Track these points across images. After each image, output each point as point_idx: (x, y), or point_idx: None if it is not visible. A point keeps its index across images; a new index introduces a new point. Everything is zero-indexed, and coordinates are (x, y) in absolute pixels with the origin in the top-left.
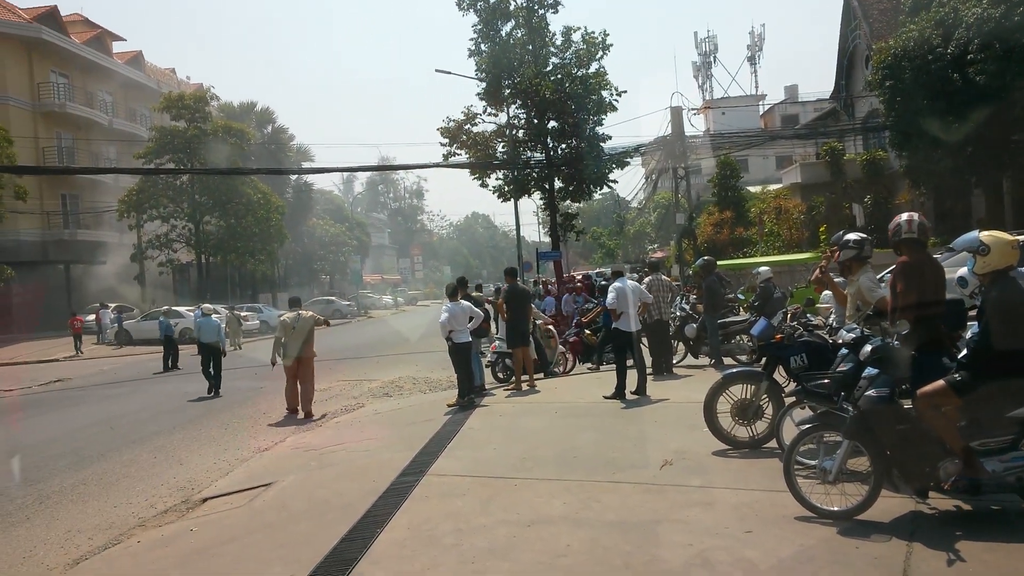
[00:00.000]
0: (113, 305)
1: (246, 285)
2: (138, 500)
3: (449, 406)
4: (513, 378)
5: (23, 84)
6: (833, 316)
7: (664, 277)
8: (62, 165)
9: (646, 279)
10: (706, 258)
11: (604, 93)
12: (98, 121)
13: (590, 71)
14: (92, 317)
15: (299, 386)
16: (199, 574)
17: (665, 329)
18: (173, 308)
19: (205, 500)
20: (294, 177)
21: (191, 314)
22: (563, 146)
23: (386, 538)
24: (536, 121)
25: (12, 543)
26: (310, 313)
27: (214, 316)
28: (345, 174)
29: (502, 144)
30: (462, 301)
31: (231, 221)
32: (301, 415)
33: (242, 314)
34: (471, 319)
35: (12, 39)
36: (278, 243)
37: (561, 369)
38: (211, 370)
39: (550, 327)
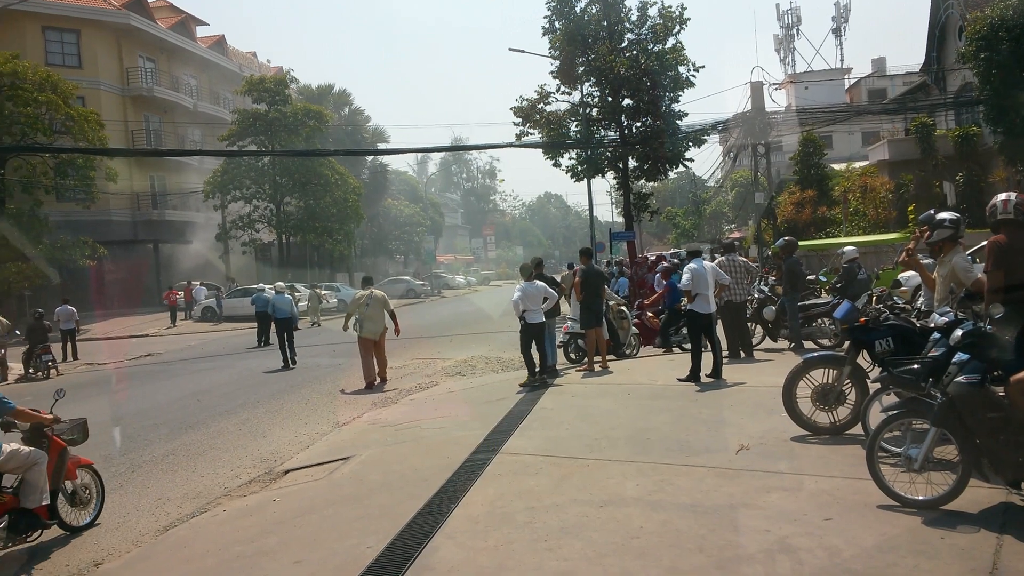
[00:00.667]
0: (197, 283)
1: (324, 264)
2: (224, 471)
3: (521, 386)
4: (585, 359)
5: (113, 69)
6: (922, 299)
7: (740, 258)
8: (150, 147)
9: (719, 259)
10: (787, 238)
11: (681, 69)
12: (183, 104)
13: (666, 46)
14: (180, 294)
15: (375, 358)
16: (282, 543)
17: (738, 311)
18: (261, 286)
19: (287, 472)
20: (370, 158)
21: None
22: (638, 124)
23: (460, 513)
24: (610, 99)
25: (108, 509)
26: (381, 292)
27: (287, 294)
28: (419, 155)
29: (575, 123)
30: (537, 281)
31: (310, 202)
32: (378, 381)
33: (321, 292)
34: (545, 300)
35: (103, 26)
36: (355, 223)
37: (632, 351)
38: (285, 345)
39: (623, 308)
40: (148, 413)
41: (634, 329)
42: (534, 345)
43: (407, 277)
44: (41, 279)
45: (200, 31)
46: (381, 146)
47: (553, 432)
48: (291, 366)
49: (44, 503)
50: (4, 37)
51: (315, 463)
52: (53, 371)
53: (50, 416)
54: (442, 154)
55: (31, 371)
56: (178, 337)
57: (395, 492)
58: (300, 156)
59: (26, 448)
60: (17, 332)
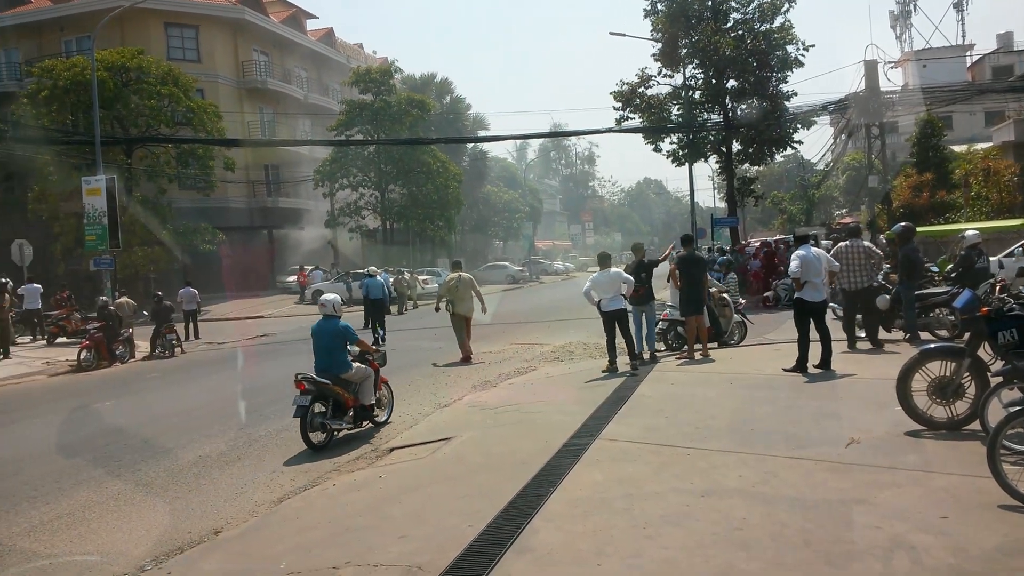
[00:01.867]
0: (311, 267)
1: (426, 250)
2: (332, 447)
3: (602, 372)
4: (685, 347)
5: (230, 63)
6: None
7: (865, 243)
8: (265, 138)
9: (840, 244)
10: (904, 224)
11: (789, 48)
12: (294, 96)
13: (774, 25)
14: (292, 278)
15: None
16: (387, 518)
17: (858, 298)
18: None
19: (392, 450)
20: (470, 145)
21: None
22: (743, 106)
23: (559, 497)
24: (714, 81)
25: (228, 479)
26: (468, 275)
27: (379, 277)
28: (518, 141)
29: (677, 106)
30: (611, 269)
31: (412, 188)
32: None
33: (421, 277)
34: (624, 285)
35: (221, 21)
36: (455, 210)
37: (736, 339)
38: (376, 324)
39: (724, 295)
40: (263, 390)
41: (737, 317)
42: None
43: (506, 263)
44: (165, 263)
45: (310, 24)
46: (481, 133)
47: (652, 420)
48: (380, 344)
49: (371, 403)
50: (130, 34)
51: (418, 442)
52: (177, 350)
53: (373, 347)
54: (541, 140)
55: (156, 350)
56: (290, 319)
57: (495, 473)
58: (404, 144)
59: (363, 365)
60: (145, 313)
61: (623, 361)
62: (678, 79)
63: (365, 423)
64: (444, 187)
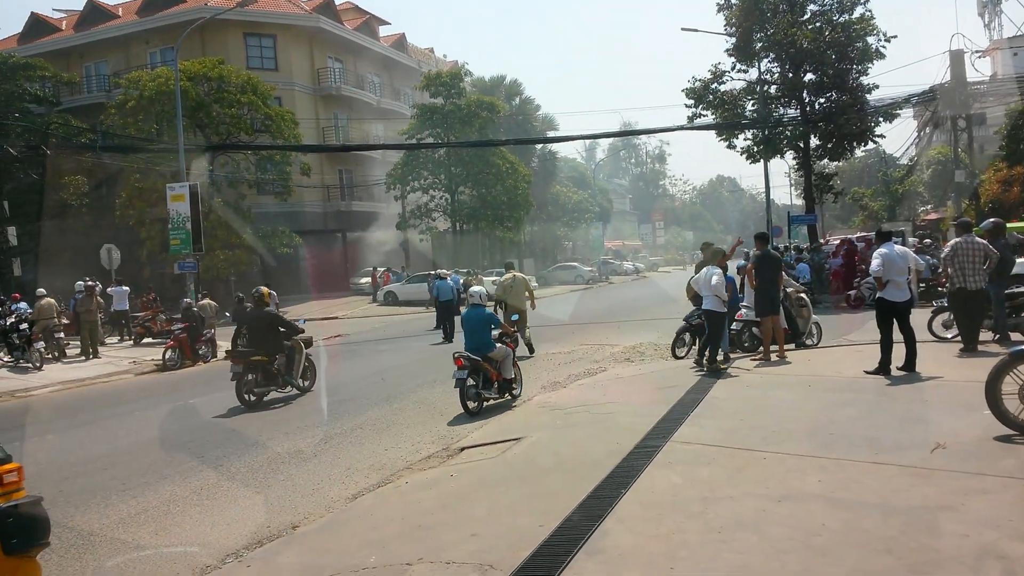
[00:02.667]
0: (382, 269)
1: (495, 251)
2: (405, 445)
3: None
4: (760, 348)
5: (305, 71)
6: None
7: (979, 240)
8: (339, 143)
9: (955, 241)
10: (993, 220)
11: (870, 39)
12: (367, 101)
13: (853, 16)
14: (365, 280)
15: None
16: (459, 516)
17: (967, 299)
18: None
19: (462, 449)
20: (539, 146)
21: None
22: (821, 100)
23: (631, 499)
24: (791, 75)
25: (304, 476)
26: (522, 275)
27: (449, 280)
28: (588, 141)
29: (752, 102)
30: (712, 267)
31: (482, 191)
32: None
33: (490, 279)
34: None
35: (297, 30)
36: (524, 211)
37: (814, 340)
38: (446, 323)
39: (803, 295)
40: (339, 389)
41: (815, 317)
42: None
43: (575, 263)
44: (246, 266)
45: (382, 30)
46: (550, 134)
47: (726, 423)
48: (451, 340)
49: (511, 377)
50: (211, 44)
51: (488, 442)
52: None
53: (511, 329)
54: (611, 140)
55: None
56: (364, 320)
57: (565, 474)
58: (473, 146)
59: (503, 346)
60: (228, 314)
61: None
62: (753, 74)
63: (506, 394)
64: (513, 188)
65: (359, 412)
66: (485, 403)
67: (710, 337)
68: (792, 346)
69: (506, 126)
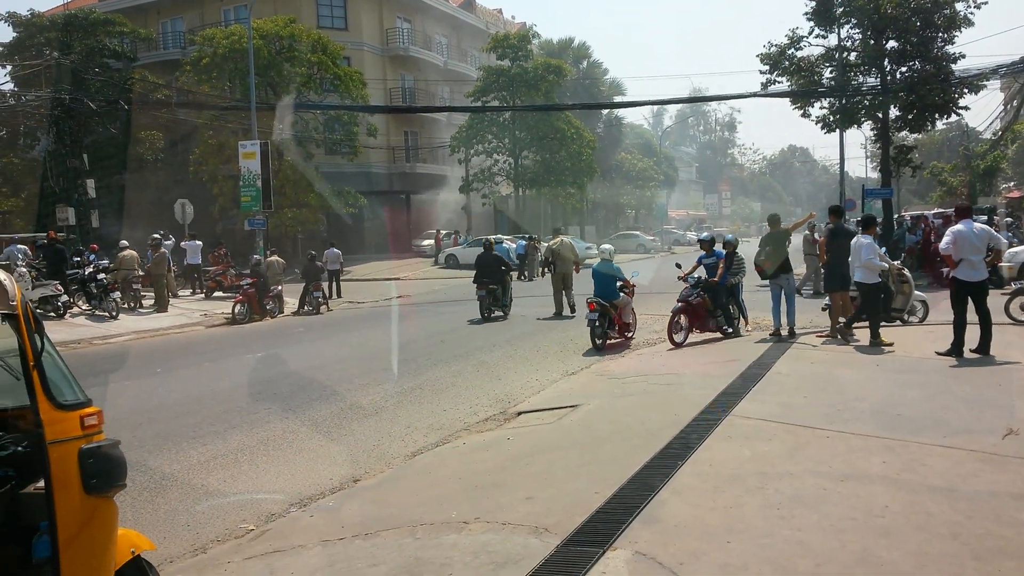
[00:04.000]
0: (444, 232)
1: (557, 217)
2: (463, 407)
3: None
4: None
5: (374, 31)
6: None
7: None
8: (405, 104)
9: None
10: None
11: (958, 5)
12: (434, 63)
13: None
14: (428, 242)
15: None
16: (515, 478)
17: None
18: (499, 237)
19: (519, 414)
20: (605, 112)
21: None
22: (903, 69)
23: (688, 471)
24: (872, 42)
25: (365, 431)
26: (569, 240)
27: (504, 244)
28: (655, 108)
29: (830, 69)
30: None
31: (546, 155)
32: (566, 311)
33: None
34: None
35: None
36: (588, 177)
37: (919, 317)
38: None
39: (905, 271)
40: (399, 349)
41: (918, 294)
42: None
43: (637, 232)
44: (312, 224)
45: None
46: (617, 99)
47: (788, 398)
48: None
49: (629, 322)
50: (283, 2)
51: (545, 408)
52: (323, 307)
53: (631, 283)
54: (679, 106)
55: (304, 307)
56: (425, 281)
57: (622, 443)
58: (539, 110)
59: (625, 295)
60: (296, 270)
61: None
62: (832, 40)
63: (627, 335)
64: (577, 154)
65: (418, 373)
66: (608, 340)
67: (863, 309)
68: (897, 323)
69: (572, 90)
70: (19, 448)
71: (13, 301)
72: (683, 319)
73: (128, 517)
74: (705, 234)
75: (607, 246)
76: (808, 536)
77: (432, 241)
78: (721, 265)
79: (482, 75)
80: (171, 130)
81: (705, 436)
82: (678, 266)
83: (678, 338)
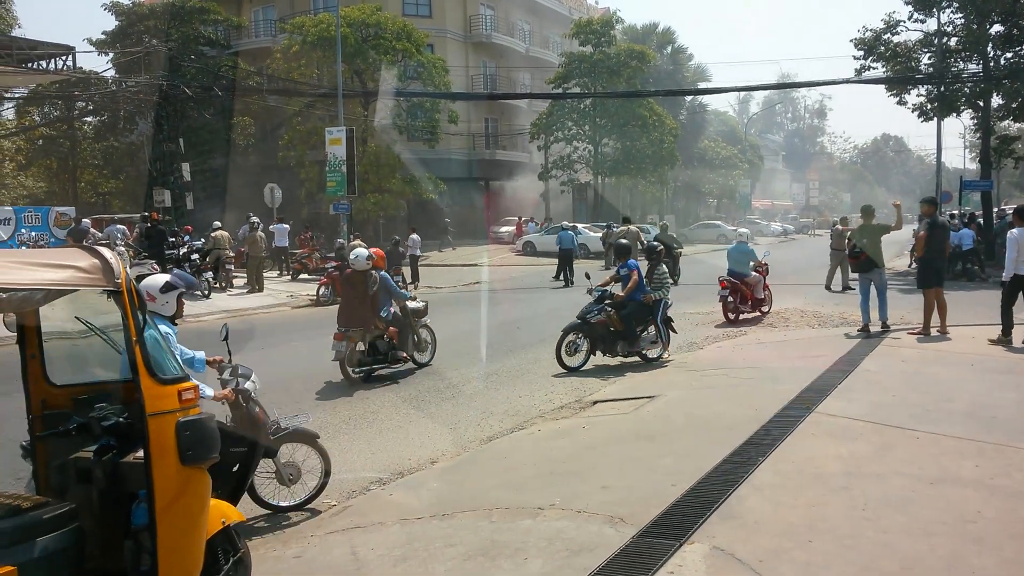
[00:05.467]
0: (525, 219)
1: (636, 205)
2: (539, 394)
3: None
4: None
5: (458, 18)
6: None
7: None
8: (486, 91)
9: None
10: None
11: None
12: (516, 49)
13: None
14: (506, 229)
15: None
16: (590, 467)
17: None
18: (573, 224)
19: (595, 403)
20: (689, 98)
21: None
22: (1007, 55)
23: (768, 467)
24: (975, 26)
25: (443, 415)
26: (635, 228)
27: (570, 231)
28: (741, 94)
29: (928, 55)
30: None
31: (627, 143)
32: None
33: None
34: None
35: None
36: (669, 165)
37: None
38: (566, 270)
39: None
40: (473, 335)
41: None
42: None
43: (719, 222)
44: (393, 210)
45: None
46: (702, 85)
47: (876, 397)
48: (569, 284)
49: (761, 298)
50: None
51: (621, 398)
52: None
53: (763, 263)
54: (766, 93)
55: None
56: (501, 268)
57: (700, 436)
58: (621, 97)
59: (757, 274)
60: None
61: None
62: (931, 24)
63: (762, 309)
64: (659, 142)
65: (495, 359)
66: (740, 315)
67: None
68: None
69: (655, 76)
70: (120, 419)
71: (119, 279)
72: (582, 339)
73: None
74: (654, 242)
75: (744, 230)
76: (895, 538)
77: (512, 228)
78: (634, 277)
79: (564, 61)
80: (261, 116)
81: (787, 433)
82: (587, 276)
83: (571, 362)
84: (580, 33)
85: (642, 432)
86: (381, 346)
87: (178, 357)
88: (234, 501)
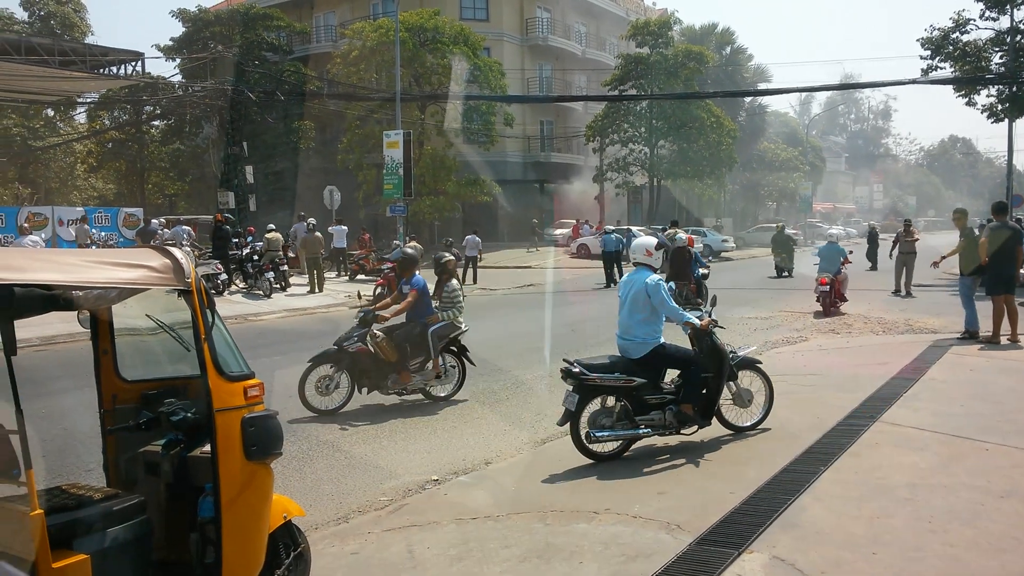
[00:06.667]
0: (582, 221)
1: (692, 208)
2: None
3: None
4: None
5: (515, 21)
6: None
7: None
8: (542, 94)
9: None
10: None
11: None
12: (572, 52)
13: None
14: (561, 231)
15: None
16: (646, 472)
17: None
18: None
19: None
20: (748, 99)
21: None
22: None
23: (831, 477)
24: None
25: (496, 417)
26: (683, 233)
27: (614, 235)
28: (802, 95)
29: (1000, 54)
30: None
31: (683, 145)
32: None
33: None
34: None
35: None
36: (727, 167)
37: None
38: (609, 271)
39: None
40: (531, 336)
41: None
42: None
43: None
44: (448, 212)
45: None
46: (761, 86)
47: (943, 407)
48: (609, 286)
49: (845, 292)
50: None
51: None
52: None
53: (847, 260)
54: (828, 93)
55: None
56: (556, 271)
57: (760, 444)
58: (678, 99)
59: (844, 272)
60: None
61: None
62: (1004, 22)
63: (845, 300)
64: (717, 144)
65: (551, 360)
66: (831, 307)
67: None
68: None
69: (714, 77)
70: (188, 414)
71: (189, 278)
72: (338, 372)
73: (278, 483)
74: (445, 254)
75: (834, 231)
76: (963, 553)
77: (568, 230)
78: (409, 298)
79: (620, 63)
80: (321, 120)
81: (850, 442)
82: (358, 294)
83: (324, 403)
84: (637, 35)
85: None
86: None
87: (675, 307)
88: (707, 419)
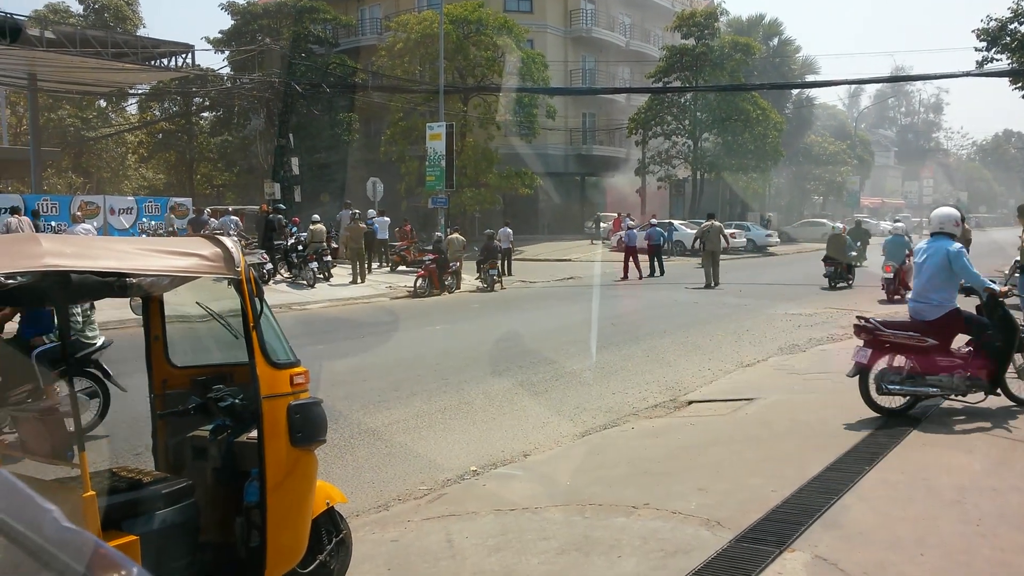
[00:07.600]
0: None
1: (736, 202)
2: (632, 392)
3: None
4: None
5: (559, 12)
6: None
7: None
8: (585, 86)
9: None
10: None
11: None
12: (616, 43)
13: None
14: (603, 224)
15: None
16: (685, 468)
17: None
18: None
19: (690, 403)
20: (795, 92)
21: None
22: None
23: (875, 477)
24: None
25: (536, 408)
26: (719, 223)
27: (657, 228)
28: (851, 88)
29: None
30: None
31: (728, 138)
32: (714, 284)
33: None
34: None
35: None
36: (772, 161)
37: None
38: (654, 258)
39: None
40: (568, 330)
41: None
42: None
43: (824, 220)
44: (489, 204)
45: None
46: (809, 78)
47: None
48: (652, 275)
49: (909, 281)
50: None
51: (719, 399)
52: (497, 284)
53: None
54: (878, 86)
55: (481, 283)
56: (596, 264)
57: (801, 441)
58: (723, 91)
59: (906, 263)
60: (475, 248)
61: None
62: None
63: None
64: (763, 136)
65: (588, 355)
66: (895, 296)
67: None
68: None
69: (760, 69)
70: (236, 401)
71: (239, 267)
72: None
73: (321, 470)
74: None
75: (900, 224)
76: (1013, 558)
77: (610, 224)
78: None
79: (664, 55)
80: (366, 112)
81: (895, 442)
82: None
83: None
84: (683, 26)
85: (740, 434)
86: None
87: (975, 273)
88: (995, 388)
